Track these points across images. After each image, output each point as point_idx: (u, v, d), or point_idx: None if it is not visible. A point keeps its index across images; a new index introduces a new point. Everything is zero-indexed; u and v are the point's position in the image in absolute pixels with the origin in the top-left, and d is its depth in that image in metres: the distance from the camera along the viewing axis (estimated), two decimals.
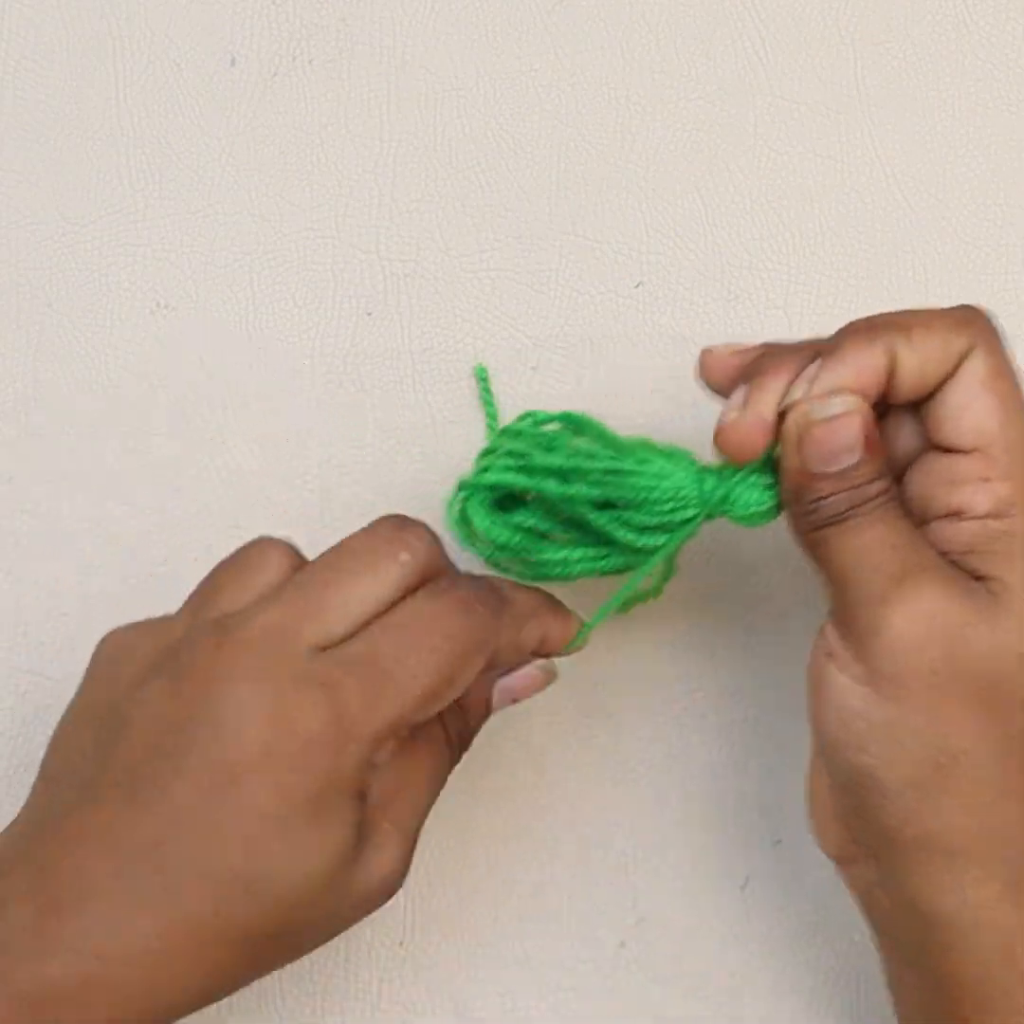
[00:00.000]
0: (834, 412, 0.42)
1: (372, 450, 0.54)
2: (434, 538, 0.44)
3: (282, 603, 0.41)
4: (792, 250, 0.55)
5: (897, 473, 0.44)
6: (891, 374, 0.42)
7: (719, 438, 0.43)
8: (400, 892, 0.51)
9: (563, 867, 0.52)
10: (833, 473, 0.42)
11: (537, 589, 0.46)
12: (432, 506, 0.53)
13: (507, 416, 0.54)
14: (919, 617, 0.41)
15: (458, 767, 0.52)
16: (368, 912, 0.43)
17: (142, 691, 0.41)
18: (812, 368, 0.42)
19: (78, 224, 0.55)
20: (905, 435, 0.44)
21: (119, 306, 0.55)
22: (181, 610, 0.43)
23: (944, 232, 0.55)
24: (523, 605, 0.44)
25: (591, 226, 0.55)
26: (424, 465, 0.54)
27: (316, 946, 0.43)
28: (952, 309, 0.43)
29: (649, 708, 0.52)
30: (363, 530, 0.43)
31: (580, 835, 0.52)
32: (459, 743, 0.45)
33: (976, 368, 0.42)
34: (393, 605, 0.42)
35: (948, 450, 0.42)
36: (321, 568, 0.42)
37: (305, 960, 0.51)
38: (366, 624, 0.41)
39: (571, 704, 0.52)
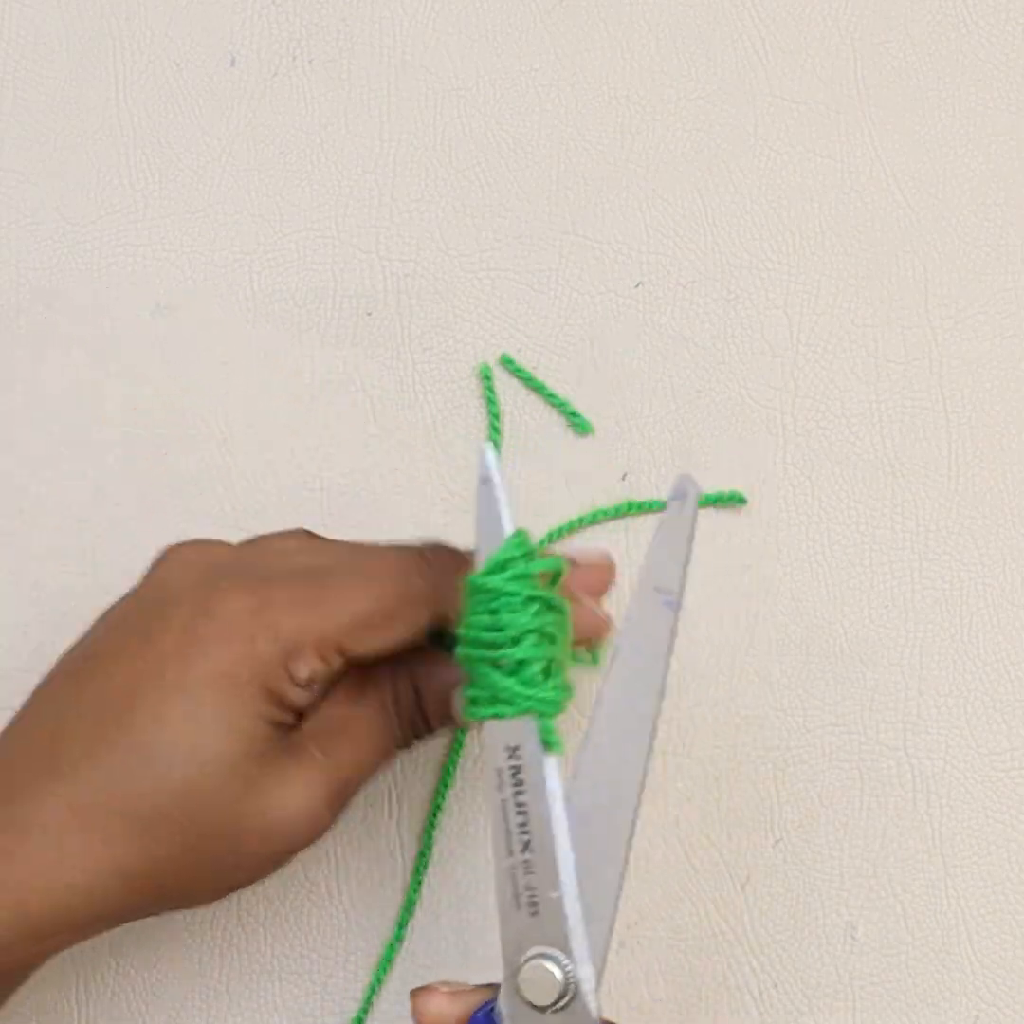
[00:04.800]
0: None
1: (372, 450, 0.54)
2: (455, 562, 0.44)
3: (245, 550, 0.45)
4: (792, 250, 0.55)
5: None
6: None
7: None
8: (402, 893, 0.52)
9: None
10: None
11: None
12: (432, 506, 0.53)
13: (508, 416, 0.54)
14: None
15: (460, 767, 0.52)
16: (283, 847, 0.43)
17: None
18: None
19: (78, 224, 0.55)
20: None
21: (119, 306, 0.55)
22: None
23: (944, 232, 0.55)
24: None
25: (591, 226, 0.55)
26: (424, 465, 0.54)
27: (223, 872, 0.43)
28: None
29: None
30: None
31: None
32: (409, 722, 0.45)
33: None
34: None
35: None
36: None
37: (305, 959, 0.51)
38: None
39: (570, 704, 0.52)
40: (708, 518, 0.53)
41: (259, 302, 0.55)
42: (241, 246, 0.55)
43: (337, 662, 0.43)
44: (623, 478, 0.53)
